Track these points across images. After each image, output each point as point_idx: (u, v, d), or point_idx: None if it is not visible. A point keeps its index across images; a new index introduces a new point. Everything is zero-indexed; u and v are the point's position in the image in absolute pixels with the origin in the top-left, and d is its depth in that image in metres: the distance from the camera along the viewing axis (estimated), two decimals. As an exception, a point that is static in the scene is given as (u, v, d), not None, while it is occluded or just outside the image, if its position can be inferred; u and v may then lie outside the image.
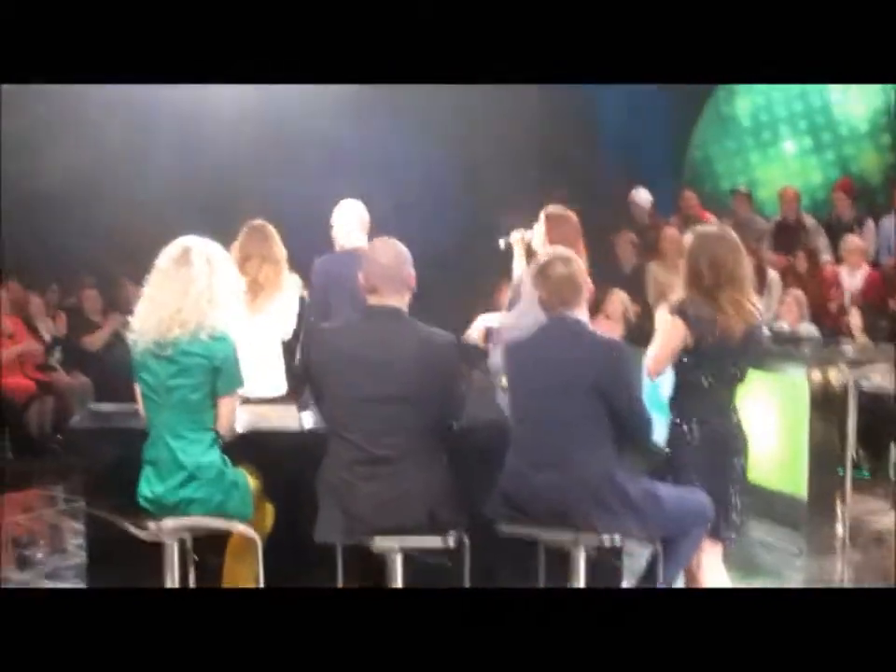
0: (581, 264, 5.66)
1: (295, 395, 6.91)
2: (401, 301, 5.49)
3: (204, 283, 5.46)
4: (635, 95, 14.54)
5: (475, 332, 7.28)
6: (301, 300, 7.32)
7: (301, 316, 7.24)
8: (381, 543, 5.42)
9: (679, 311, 5.73)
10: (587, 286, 5.65)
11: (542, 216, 7.16)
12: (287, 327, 7.16)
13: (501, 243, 7.54)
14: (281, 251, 7.22)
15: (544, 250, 6.53)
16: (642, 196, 13.55)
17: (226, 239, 6.95)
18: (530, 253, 7.22)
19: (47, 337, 12.41)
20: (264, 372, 6.87)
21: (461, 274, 12.72)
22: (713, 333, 5.69)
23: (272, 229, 7.26)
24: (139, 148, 13.22)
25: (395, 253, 5.53)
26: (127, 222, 13.75)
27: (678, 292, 5.87)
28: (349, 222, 7.91)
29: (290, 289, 7.24)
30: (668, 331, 5.77)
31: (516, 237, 7.44)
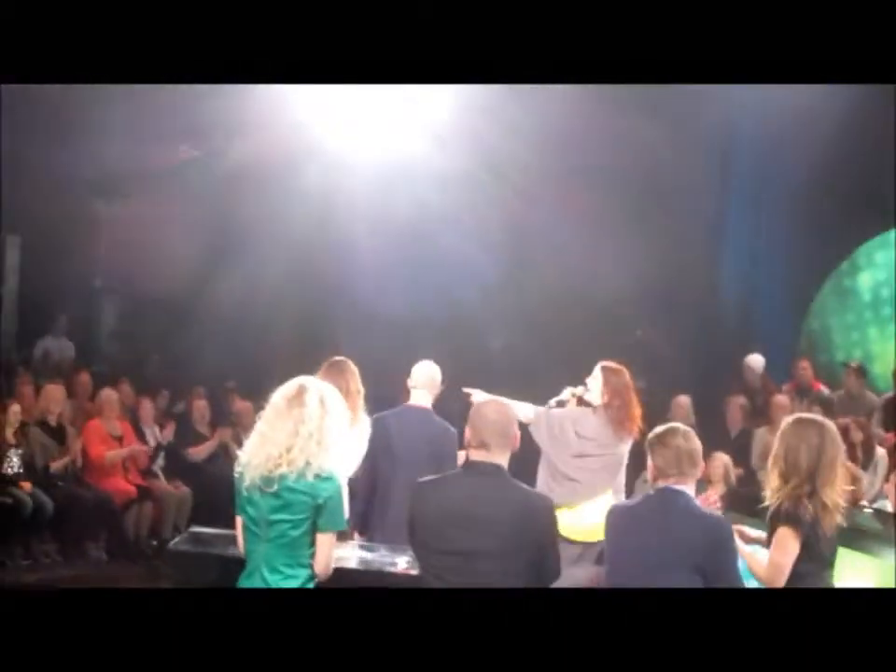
0: (698, 442, 5.66)
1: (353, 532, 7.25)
2: (503, 459, 5.52)
3: (315, 424, 5.51)
4: (757, 260, 14.63)
5: None
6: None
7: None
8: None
9: (790, 519, 5.68)
10: (702, 463, 5.67)
11: (598, 369, 8.02)
12: (354, 461, 7.39)
13: (553, 402, 8.11)
14: (358, 387, 7.48)
15: (601, 401, 7.81)
16: (756, 360, 13.49)
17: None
18: (582, 404, 8.07)
19: (152, 443, 12.56)
20: None
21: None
22: (817, 533, 5.65)
23: (352, 364, 7.54)
24: (259, 265, 13.46)
25: (504, 411, 5.61)
26: (244, 336, 14.04)
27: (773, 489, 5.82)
28: (422, 383, 8.11)
29: (363, 424, 7.52)
30: (787, 547, 5.68)
31: (567, 394, 8.13)
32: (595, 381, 7.99)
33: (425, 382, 8.08)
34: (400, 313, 13.69)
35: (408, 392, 8.09)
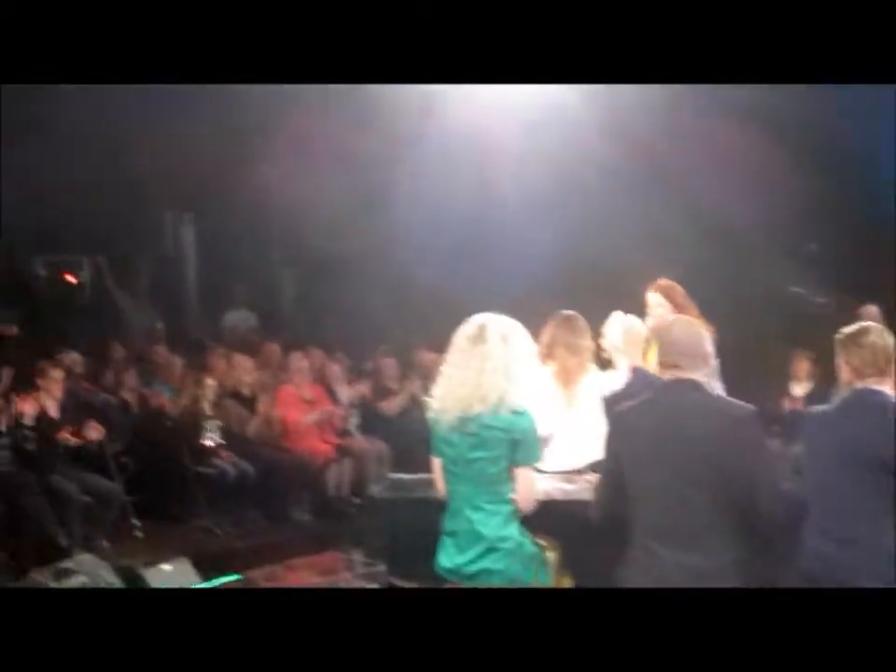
0: (893, 338, 5.49)
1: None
2: (699, 376, 5.38)
3: (501, 360, 5.52)
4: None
5: None
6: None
7: None
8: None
9: None
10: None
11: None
12: (595, 413, 7.13)
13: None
14: (589, 344, 7.33)
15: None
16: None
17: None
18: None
19: (344, 402, 12.69)
20: (570, 455, 6.97)
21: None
22: None
23: (583, 321, 7.36)
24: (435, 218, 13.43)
25: (694, 331, 5.47)
26: (421, 290, 14.06)
27: None
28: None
29: (594, 381, 7.30)
30: None
31: None
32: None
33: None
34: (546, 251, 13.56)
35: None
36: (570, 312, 7.41)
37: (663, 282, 7.80)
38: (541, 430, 6.52)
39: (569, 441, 7.03)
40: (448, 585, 5.55)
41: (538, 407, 6.31)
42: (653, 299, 7.71)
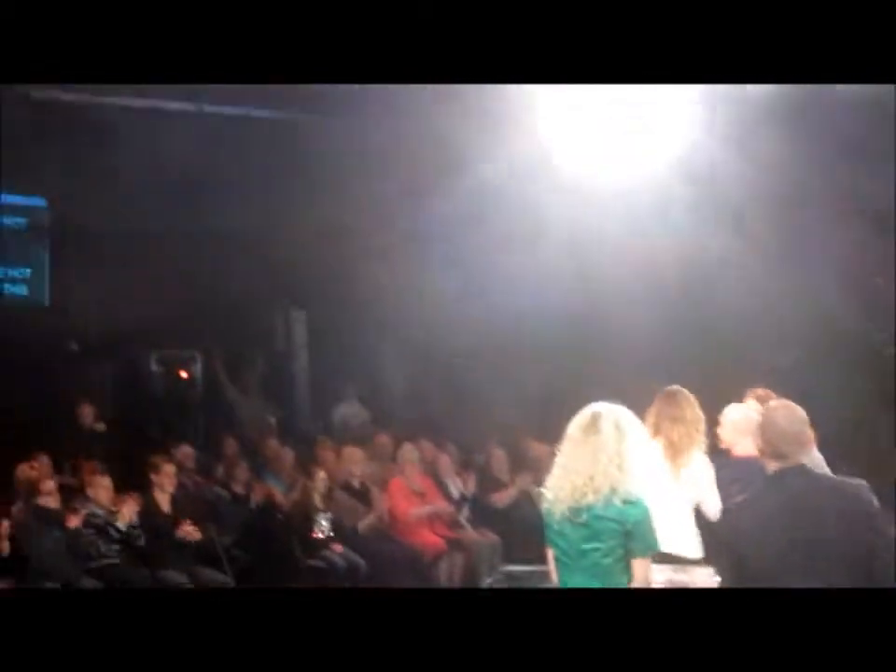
0: None
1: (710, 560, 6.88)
2: (804, 458, 5.39)
3: (614, 449, 5.49)
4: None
5: None
6: None
7: None
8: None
9: None
10: None
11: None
12: (701, 490, 7.12)
13: None
14: (695, 414, 7.34)
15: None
16: None
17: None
18: None
19: (455, 494, 12.65)
20: (678, 532, 6.89)
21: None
22: None
23: (686, 393, 7.40)
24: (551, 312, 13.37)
25: (795, 416, 5.43)
26: (530, 380, 13.98)
27: None
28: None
29: (702, 457, 7.26)
30: None
31: None
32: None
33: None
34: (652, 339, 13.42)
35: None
36: (675, 386, 7.48)
37: (760, 391, 7.88)
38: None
39: (679, 518, 7.01)
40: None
41: (648, 485, 6.31)
42: (751, 405, 7.75)
